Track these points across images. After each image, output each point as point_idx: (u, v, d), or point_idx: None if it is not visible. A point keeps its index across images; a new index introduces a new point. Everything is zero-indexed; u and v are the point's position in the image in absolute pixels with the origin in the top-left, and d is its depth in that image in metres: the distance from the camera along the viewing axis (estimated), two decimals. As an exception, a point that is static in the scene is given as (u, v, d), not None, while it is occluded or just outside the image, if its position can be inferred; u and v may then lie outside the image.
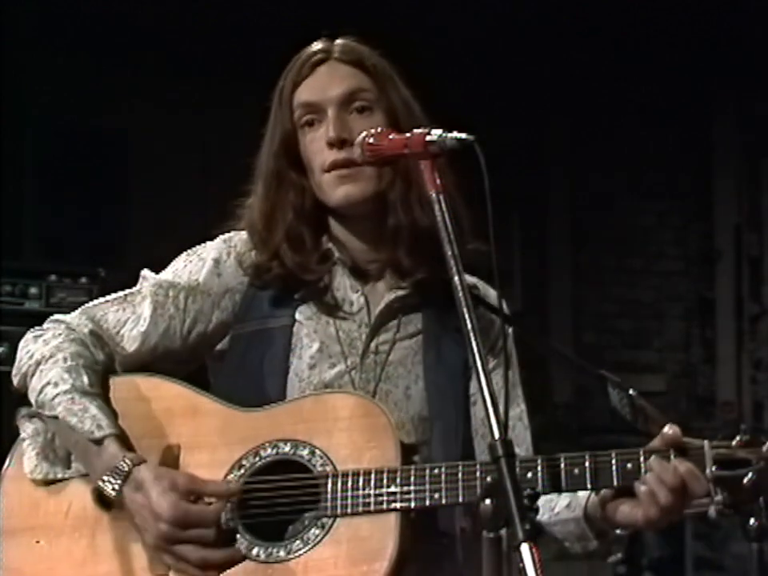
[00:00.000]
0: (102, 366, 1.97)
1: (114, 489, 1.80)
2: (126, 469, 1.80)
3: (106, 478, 1.81)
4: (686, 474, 1.71)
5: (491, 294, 2.08)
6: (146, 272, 2.07)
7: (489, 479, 1.65)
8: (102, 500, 1.86)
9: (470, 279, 1.98)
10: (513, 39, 5.98)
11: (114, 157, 5.73)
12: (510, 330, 2.05)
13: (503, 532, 1.51)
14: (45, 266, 4.11)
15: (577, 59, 6.24)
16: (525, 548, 1.43)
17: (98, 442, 1.84)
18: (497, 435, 1.52)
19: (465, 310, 1.62)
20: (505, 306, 2.04)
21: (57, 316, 2.02)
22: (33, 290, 4.00)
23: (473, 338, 1.60)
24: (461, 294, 1.63)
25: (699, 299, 6.99)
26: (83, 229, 5.51)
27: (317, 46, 2.04)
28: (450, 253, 1.67)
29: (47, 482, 1.91)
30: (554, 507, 1.91)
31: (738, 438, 1.71)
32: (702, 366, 6.94)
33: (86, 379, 1.89)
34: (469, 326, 1.61)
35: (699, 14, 5.95)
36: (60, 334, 1.96)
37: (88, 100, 5.51)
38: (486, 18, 5.78)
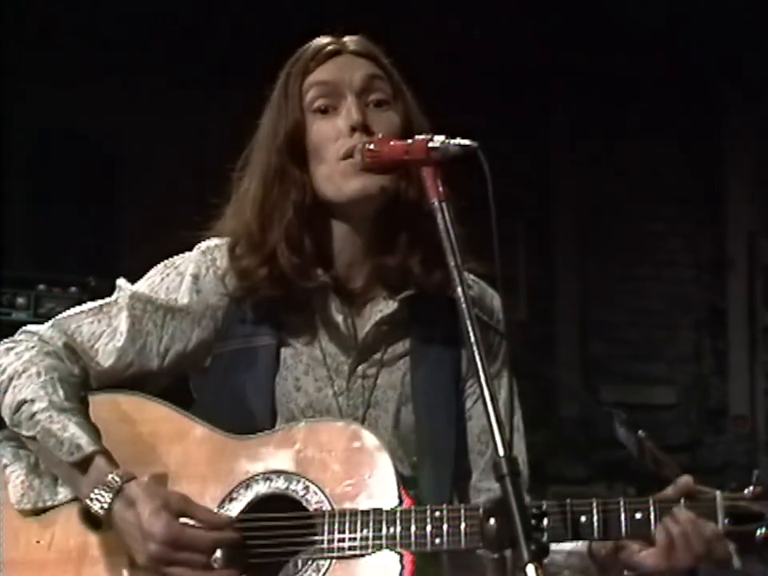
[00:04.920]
0: (79, 378, 1.94)
1: (102, 506, 1.78)
2: (116, 485, 1.78)
3: (93, 495, 1.79)
4: (711, 535, 1.70)
5: (488, 294, 2.07)
6: (121, 281, 2.03)
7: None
8: (89, 520, 1.85)
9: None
10: (517, 41, 5.99)
11: (104, 162, 5.74)
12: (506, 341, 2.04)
13: (508, 553, 1.51)
14: (33, 275, 4.11)
15: (583, 61, 6.25)
16: (530, 569, 1.43)
17: (80, 463, 1.82)
18: (501, 453, 1.52)
19: (468, 322, 1.62)
20: (499, 305, 2.03)
21: (29, 327, 2.00)
22: (20, 300, 3.99)
23: (477, 353, 1.60)
24: (464, 306, 1.63)
25: (711, 308, 6.98)
26: (73, 236, 5.51)
27: (326, 39, 2.02)
28: (452, 263, 1.68)
29: (36, 512, 1.88)
30: None
31: (750, 488, 1.71)
32: (714, 378, 6.94)
33: (62, 393, 1.87)
34: (472, 338, 1.61)
35: (712, 15, 5.95)
36: (33, 347, 1.93)
37: (76, 103, 5.52)
38: (490, 19, 5.79)
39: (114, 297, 2.01)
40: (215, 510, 1.82)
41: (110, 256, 5.34)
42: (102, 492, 1.78)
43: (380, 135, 1.91)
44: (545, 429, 6.18)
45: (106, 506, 1.78)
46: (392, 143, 1.86)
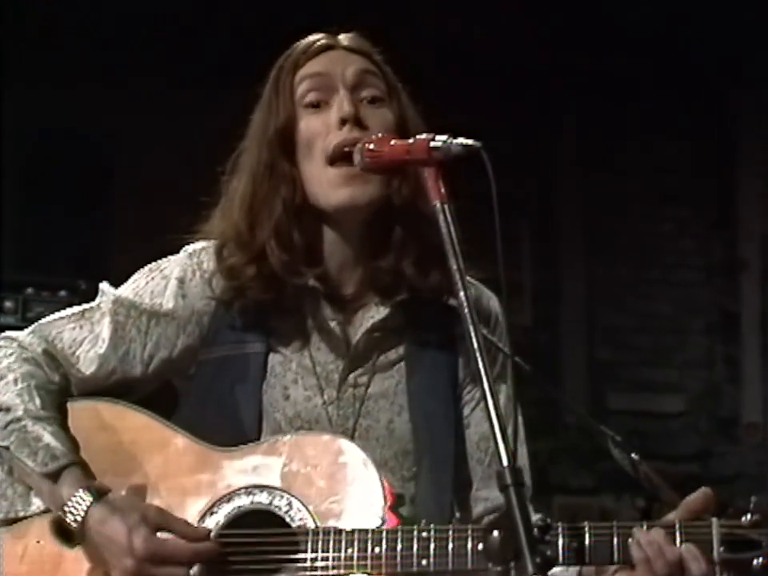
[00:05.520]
0: (58, 386, 1.94)
1: (76, 519, 1.79)
2: (90, 499, 1.79)
3: (67, 508, 1.80)
4: (686, 552, 1.71)
5: (485, 295, 2.07)
6: (104, 286, 2.03)
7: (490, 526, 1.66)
8: (63, 534, 1.85)
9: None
10: (520, 41, 6.00)
11: (96, 163, 5.74)
12: (506, 347, 2.04)
13: (512, 565, 1.52)
14: (21, 278, 4.12)
15: (590, 59, 6.26)
16: (535, 582, 1.44)
17: (54, 474, 1.82)
18: (505, 462, 1.53)
19: (471, 327, 1.62)
20: (498, 307, 2.04)
21: (8, 333, 2.00)
22: (8, 304, 4.01)
23: (480, 359, 1.60)
24: (466, 311, 1.64)
25: (722, 313, 6.99)
26: (63, 239, 5.51)
27: (319, 34, 2.03)
28: (455, 267, 1.68)
29: (8, 522, 1.88)
30: None
31: (747, 516, 1.71)
32: (726, 385, 6.94)
33: (38, 402, 1.88)
34: (475, 345, 1.61)
35: (722, 11, 5.96)
36: (12, 354, 1.94)
37: (68, 104, 5.52)
38: (494, 19, 5.81)
39: (96, 302, 2.01)
40: (195, 524, 1.82)
41: (102, 259, 5.33)
42: (77, 504, 1.79)
43: (375, 132, 1.91)
44: (548, 436, 6.18)
45: (80, 518, 1.79)
46: (393, 143, 1.86)
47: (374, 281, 1.99)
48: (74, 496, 1.80)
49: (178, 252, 2.06)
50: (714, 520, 1.72)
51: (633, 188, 6.91)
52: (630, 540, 1.72)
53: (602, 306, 6.88)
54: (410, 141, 1.81)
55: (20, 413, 1.86)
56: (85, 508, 1.79)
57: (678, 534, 1.72)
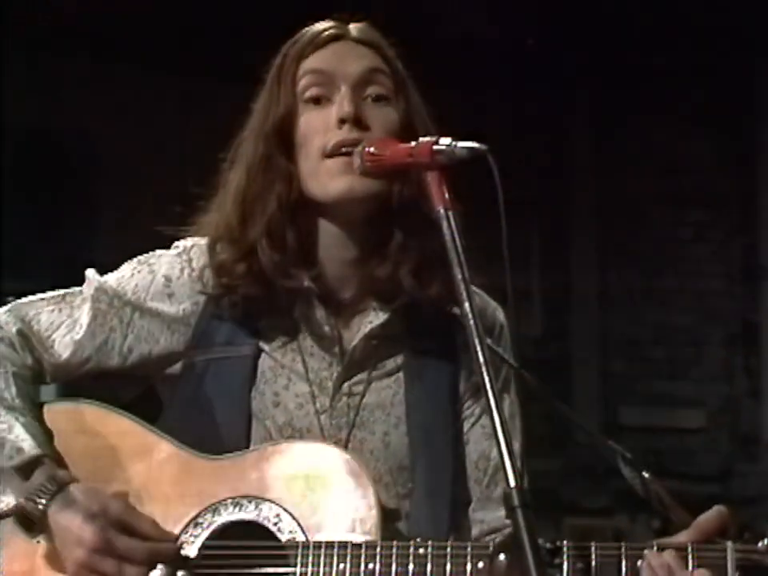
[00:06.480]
0: (31, 371, 1.97)
1: (37, 508, 1.81)
2: (54, 488, 1.81)
3: (30, 496, 1.82)
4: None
5: (491, 306, 2.07)
6: (90, 272, 2.05)
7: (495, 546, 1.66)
8: (27, 526, 1.86)
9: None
10: (535, 36, 6.02)
11: (80, 162, 5.75)
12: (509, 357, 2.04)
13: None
14: (2, 286, 4.12)
15: (605, 56, 6.27)
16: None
17: (22, 468, 1.84)
18: (512, 483, 1.53)
19: (476, 341, 1.63)
20: (503, 318, 2.05)
21: None
22: (-12, 313, 4.01)
23: (485, 373, 1.60)
24: (471, 322, 1.64)
25: (743, 323, 6.99)
26: (46, 243, 5.52)
27: (327, 23, 2.02)
28: (459, 276, 1.68)
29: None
30: None
31: (765, 541, 1.72)
32: (747, 400, 6.94)
33: (14, 390, 1.90)
34: (481, 359, 1.61)
35: (748, 8, 5.97)
36: None
37: (49, 100, 5.54)
38: (506, 17, 5.83)
39: (81, 287, 2.03)
40: (178, 533, 1.83)
41: (88, 265, 5.33)
42: (40, 492, 1.82)
43: (376, 132, 1.92)
44: (559, 454, 6.19)
45: (41, 507, 1.81)
46: (394, 146, 1.87)
47: (372, 287, 1.99)
48: (39, 486, 1.82)
49: (168, 246, 2.06)
50: (730, 544, 1.72)
51: (648, 190, 6.92)
52: (639, 562, 1.72)
53: (615, 315, 6.89)
54: (413, 144, 1.82)
55: None
56: (49, 497, 1.81)
57: (690, 558, 1.72)
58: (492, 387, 1.59)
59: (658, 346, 6.88)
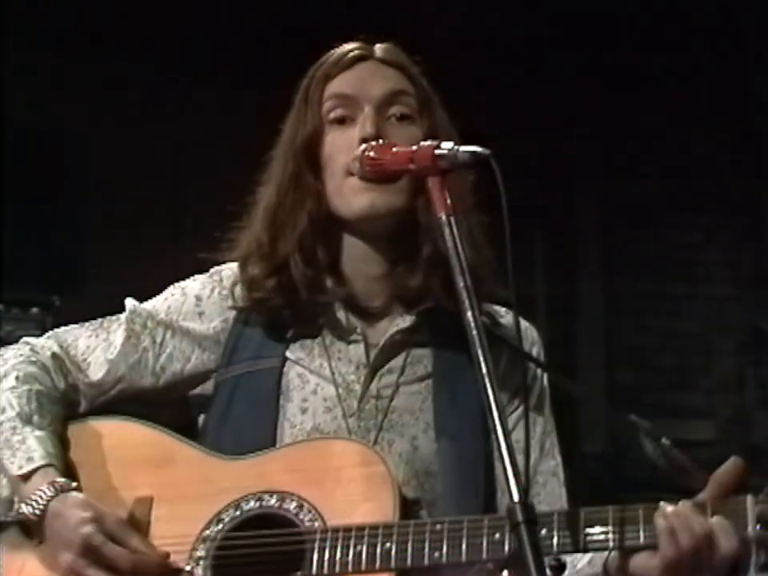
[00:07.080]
0: (62, 394, 2.06)
1: (35, 513, 1.89)
2: (52, 492, 1.89)
3: (28, 501, 1.89)
4: (716, 525, 1.72)
5: (522, 326, 2.09)
6: (128, 300, 2.15)
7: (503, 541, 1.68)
8: (27, 530, 1.93)
9: (496, 308, 2.08)
10: (539, 39, 6.04)
11: (70, 166, 5.75)
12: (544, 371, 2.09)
13: None
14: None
15: (610, 58, 6.29)
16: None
17: (29, 476, 1.92)
18: (516, 498, 1.55)
19: (479, 350, 1.64)
20: (536, 337, 2.14)
21: (26, 338, 2.12)
22: (-25, 322, 4.02)
23: (488, 384, 1.62)
24: (474, 332, 1.66)
25: (754, 330, 6.99)
26: (34, 250, 5.51)
27: (353, 44, 2.11)
28: (461, 284, 1.71)
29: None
30: (575, 564, 1.93)
31: None
32: (758, 411, 6.94)
33: (35, 405, 1.99)
34: (484, 369, 1.63)
35: (755, 9, 5.99)
36: (21, 355, 2.07)
37: (38, 99, 5.54)
38: (510, 21, 5.85)
39: (120, 315, 2.14)
40: (200, 532, 1.90)
41: (78, 272, 5.33)
42: (39, 498, 1.89)
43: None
44: (565, 466, 6.19)
45: (38, 511, 1.89)
46: (394, 150, 1.90)
47: (401, 296, 2.07)
48: (38, 490, 1.89)
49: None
50: (749, 497, 1.74)
51: (656, 194, 6.92)
52: (655, 513, 1.74)
53: (622, 323, 6.89)
54: (414, 148, 1.85)
55: (13, 413, 1.98)
56: (45, 502, 1.88)
57: (708, 509, 1.73)
58: (496, 400, 1.62)
59: (666, 355, 6.88)
